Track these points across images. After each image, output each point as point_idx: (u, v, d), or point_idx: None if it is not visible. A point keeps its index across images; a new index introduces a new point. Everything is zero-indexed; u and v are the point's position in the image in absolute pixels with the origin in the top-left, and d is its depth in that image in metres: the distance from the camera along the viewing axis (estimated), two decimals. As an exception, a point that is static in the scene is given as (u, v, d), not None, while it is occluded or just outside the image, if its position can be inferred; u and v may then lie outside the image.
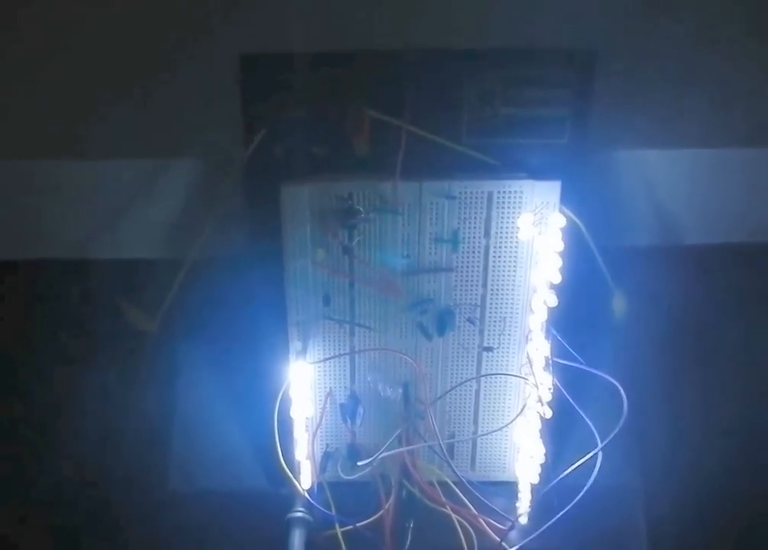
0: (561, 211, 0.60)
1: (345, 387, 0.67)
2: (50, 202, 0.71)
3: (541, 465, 0.66)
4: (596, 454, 0.59)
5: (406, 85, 0.57)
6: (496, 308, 0.64)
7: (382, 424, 0.67)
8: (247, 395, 0.68)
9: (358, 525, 0.64)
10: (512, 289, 0.63)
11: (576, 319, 0.62)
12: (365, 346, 0.65)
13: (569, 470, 0.59)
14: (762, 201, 0.71)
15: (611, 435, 0.58)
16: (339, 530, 0.65)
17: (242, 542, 0.68)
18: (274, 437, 0.62)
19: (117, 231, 0.72)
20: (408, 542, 0.66)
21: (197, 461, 0.70)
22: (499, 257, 0.62)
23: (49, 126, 0.67)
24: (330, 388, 0.66)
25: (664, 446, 0.71)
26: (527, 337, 0.64)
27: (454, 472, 0.65)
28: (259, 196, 0.60)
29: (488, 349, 0.65)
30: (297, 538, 0.65)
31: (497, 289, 0.63)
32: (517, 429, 0.66)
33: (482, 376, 0.66)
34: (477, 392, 0.67)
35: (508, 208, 0.60)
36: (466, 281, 0.63)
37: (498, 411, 0.67)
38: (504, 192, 0.60)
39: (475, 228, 0.61)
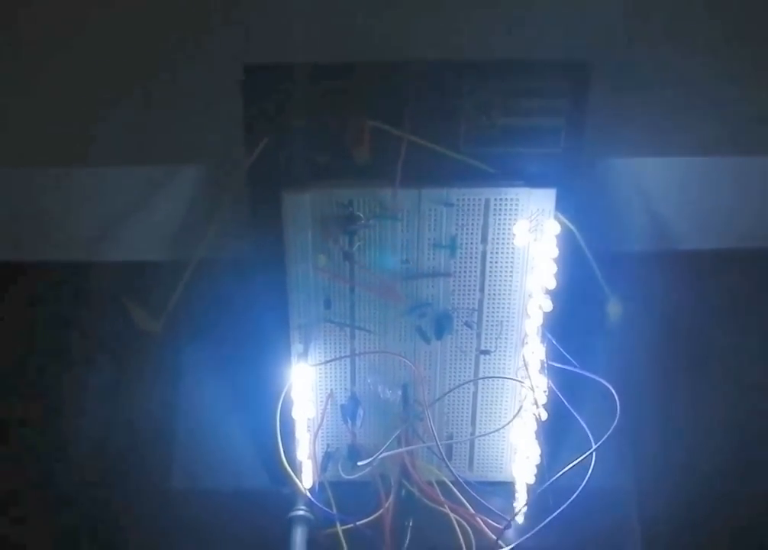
0: (556, 218, 0.60)
1: (345, 389, 0.67)
2: (55, 206, 0.72)
3: (537, 466, 0.66)
4: (590, 455, 0.59)
5: (406, 95, 0.58)
6: (493, 312, 0.64)
7: (381, 425, 0.67)
8: (250, 396, 0.69)
9: (358, 523, 0.64)
10: (509, 294, 0.63)
11: (570, 324, 0.63)
12: (365, 349, 0.65)
13: (564, 470, 0.59)
14: (751, 207, 0.71)
15: (605, 437, 0.59)
16: (339, 528, 0.65)
17: (245, 540, 0.68)
18: (276, 437, 0.62)
19: (123, 234, 0.73)
20: (407, 540, 0.66)
21: (200, 460, 0.71)
22: (496, 262, 0.62)
23: (55, 134, 0.68)
24: (331, 390, 0.67)
25: (657, 447, 0.71)
26: (523, 340, 0.64)
27: (452, 472, 0.65)
28: (261, 203, 0.60)
29: (486, 352, 0.65)
30: (298, 535, 0.66)
31: (494, 294, 0.63)
32: (514, 431, 0.66)
33: (480, 379, 0.66)
34: (475, 394, 0.67)
35: (505, 214, 0.60)
36: (464, 286, 0.63)
37: (495, 413, 0.68)
38: (500, 199, 0.60)
39: (472, 234, 0.61)
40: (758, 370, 0.73)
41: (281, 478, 0.65)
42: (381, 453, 0.63)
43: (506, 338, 0.65)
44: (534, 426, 0.65)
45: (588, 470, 0.59)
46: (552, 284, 0.61)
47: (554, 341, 0.63)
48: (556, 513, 0.59)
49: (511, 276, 0.63)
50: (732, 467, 0.71)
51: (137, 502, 0.71)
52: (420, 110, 0.58)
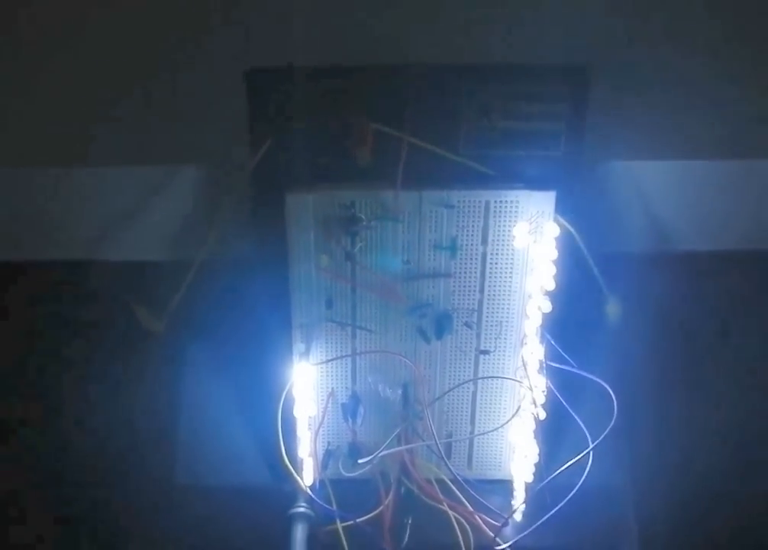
0: (556, 220, 0.60)
1: (346, 388, 0.67)
2: (56, 206, 0.72)
3: (535, 464, 0.66)
4: (588, 454, 0.59)
5: (407, 98, 0.58)
6: (493, 313, 0.64)
7: (382, 423, 0.67)
8: (252, 394, 0.69)
9: (358, 520, 0.65)
10: (508, 295, 0.64)
11: (569, 325, 0.63)
12: (366, 348, 0.66)
13: (562, 469, 0.60)
14: (748, 210, 0.72)
15: (602, 436, 0.59)
16: (340, 525, 0.65)
17: (246, 536, 0.69)
18: (278, 435, 0.63)
19: (124, 234, 0.73)
20: (407, 537, 0.66)
21: (203, 458, 0.71)
22: (496, 263, 0.63)
23: (56, 134, 0.68)
24: (332, 388, 0.67)
25: (653, 447, 0.71)
26: (522, 341, 0.65)
27: (451, 471, 0.66)
28: (264, 204, 0.61)
29: (485, 352, 0.66)
30: (299, 532, 0.66)
31: (493, 295, 0.64)
32: (513, 430, 0.67)
33: (479, 378, 0.66)
34: (474, 393, 0.68)
35: (505, 217, 0.61)
36: (464, 286, 0.63)
37: (494, 412, 0.68)
38: (500, 201, 0.60)
39: (472, 235, 0.62)
40: (754, 371, 0.74)
41: (282, 475, 0.65)
42: (381, 451, 0.64)
43: (505, 339, 0.65)
44: (532, 425, 0.65)
45: (585, 468, 0.59)
46: (551, 285, 0.61)
47: (553, 342, 0.63)
48: (553, 511, 0.60)
49: (510, 277, 0.63)
50: (728, 467, 0.71)
51: (140, 498, 0.71)
52: (421, 113, 0.59)
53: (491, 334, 0.65)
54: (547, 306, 0.62)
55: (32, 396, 0.75)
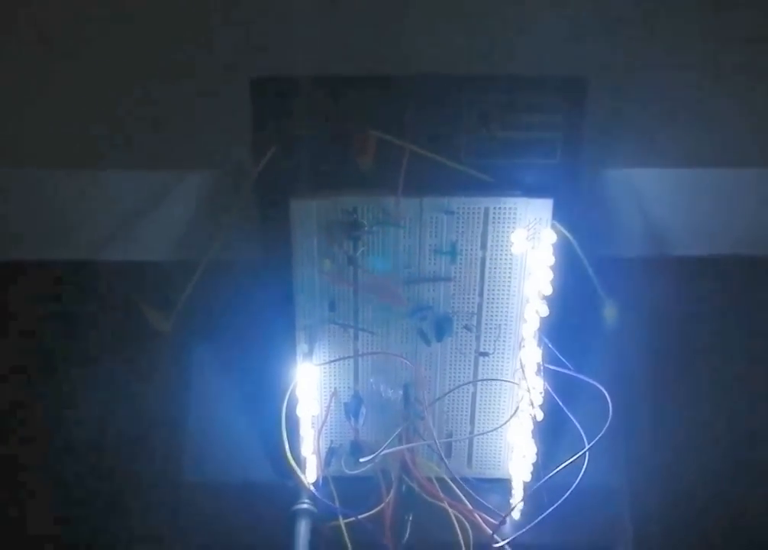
0: (553, 227, 0.61)
1: (349, 388, 0.68)
2: (69, 207, 0.73)
3: (533, 464, 0.67)
4: (584, 454, 0.60)
5: (409, 107, 0.59)
6: (491, 316, 0.65)
7: (383, 423, 0.68)
8: (257, 394, 0.70)
9: (360, 517, 0.65)
10: (507, 299, 0.64)
11: (566, 328, 0.64)
12: (368, 349, 0.66)
13: (559, 469, 0.60)
14: (741, 217, 0.72)
15: (598, 437, 0.59)
16: (342, 521, 0.66)
17: (251, 531, 0.69)
18: (282, 433, 0.63)
19: (135, 235, 0.74)
20: (407, 534, 0.67)
21: (210, 455, 0.72)
22: (495, 268, 0.63)
23: (70, 138, 0.69)
24: (335, 388, 0.68)
25: (648, 447, 0.71)
26: (520, 344, 0.65)
27: (448, 469, 0.66)
28: (269, 209, 0.61)
29: (484, 354, 0.66)
30: (302, 527, 0.67)
31: (492, 299, 0.64)
32: (511, 430, 0.67)
33: (478, 381, 0.67)
34: (474, 394, 0.68)
35: (503, 223, 0.61)
36: (464, 290, 0.64)
37: (493, 412, 0.68)
38: (499, 208, 0.61)
39: (472, 241, 0.62)
40: (747, 373, 0.74)
41: (286, 472, 0.66)
42: (382, 450, 0.64)
43: (504, 341, 0.66)
44: (530, 426, 0.66)
45: (581, 468, 0.59)
46: (548, 290, 0.62)
47: (550, 345, 0.63)
48: (550, 510, 0.60)
49: (509, 281, 0.63)
50: (721, 467, 0.72)
51: (149, 493, 0.72)
52: (422, 122, 0.59)
53: (490, 336, 0.66)
54: (545, 310, 0.62)
55: (36, 395, 0.75)
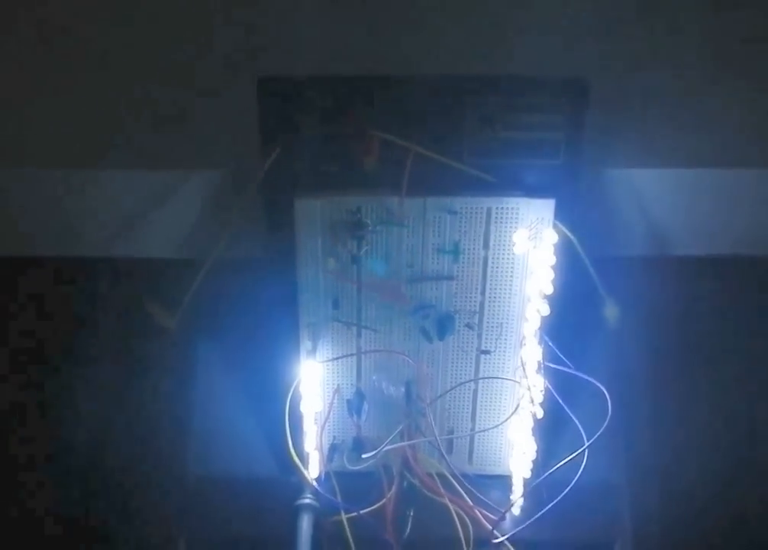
0: (555, 227, 0.61)
1: (352, 385, 0.68)
2: (79, 206, 0.74)
3: (533, 461, 0.67)
4: (583, 451, 0.60)
5: (413, 108, 0.59)
6: (493, 314, 0.65)
7: (385, 419, 0.68)
8: (261, 390, 0.70)
9: (362, 512, 0.66)
10: (508, 298, 0.64)
11: (567, 327, 0.64)
12: (371, 347, 0.66)
13: (558, 466, 0.61)
14: (740, 217, 0.73)
15: (597, 435, 0.60)
16: (344, 516, 0.66)
17: (255, 525, 0.70)
18: (285, 429, 0.64)
19: (142, 233, 0.75)
20: (408, 529, 0.68)
21: (215, 450, 0.72)
22: (497, 267, 0.63)
23: (82, 139, 0.69)
24: (338, 385, 0.68)
25: (647, 445, 0.72)
26: (521, 342, 0.65)
27: (449, 466, 0.66)
28: (275, 209, 0.62)
29: (486, 352, 0.67)
30: (305, 522, 0.67)
31: (494, 298, 0.64)
32: (512, 427, 0.68)
33: (479, 379, 0.67)
34: (475, 392, 0.68)
35: (506, 223, 0.62)
36: (466, 289, 0.64)
37: (494, 410, 0.69)
38: (502, 208, 0.61)
39: (474, 240, 0.62)
40: (745, 371, 0.75)
41: (289, 468, 0.66)
42: (384, 446, 0.65)
43: (505, 340, 0.66)
44: (530, 423, 0.66)
45: (580, 465, 0.60)
46: (549, 289, 0.62)
47: (551, 344, 0.64)
48: (549, 506, 0.61)
49: (510, 280, 0.64)
50: (720, 465, 0.72)
51: (154, 488, 0.72)
52: (426, 122, 0.59)
53: (491, 335, 0.66)
54: (546, 309, 0.63)
55: (42, 390, 0.76)
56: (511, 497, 0.69)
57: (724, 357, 0.75)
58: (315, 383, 0.66)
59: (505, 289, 0.64)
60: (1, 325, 0.77)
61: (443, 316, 0.65)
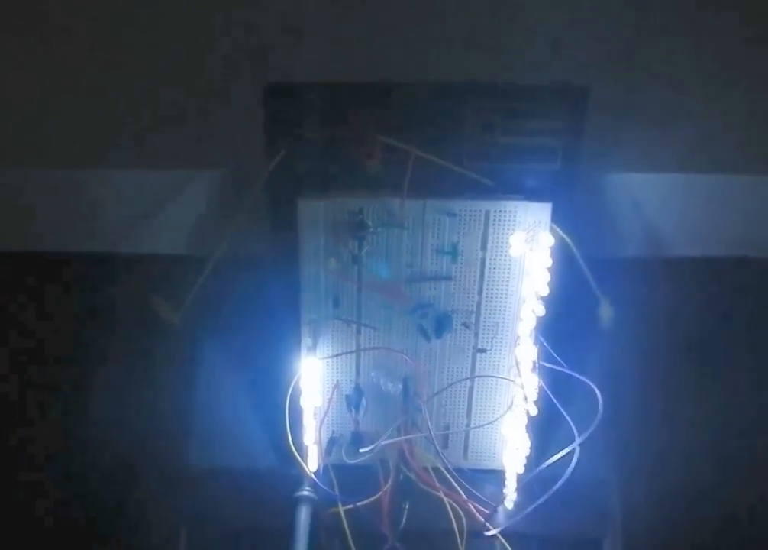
0: (551, 230, 0.62)
1: (350, 381, 0.69)
2: (80, 203, 0.75)
3: (526, 456, 0.68)
4: (574, 448, 0.61)
5: (415, 113, 0.60)
6: (490, 314, 0.66)
7: (383, 415, 0.69)
8: (263, 385, 0.71)
9: (359, 504, 0.67)
10: (505, 298, 0.65)
11: (561, 328, 0.65)
12: (370, 345, 0.67)
13: (550, 461, 0.61)
14: (732, 220, 0.74)
15: (588, 432, 0.61)
16: (341, 508, 0.67)
17: (254, 516, 0.70)
18: (285, 423, 0.64)
19: (148, 230, 0.76)
20: (404, 521, 0.68)
21: (216, 443, 0.73)
22: (494, 269, 0.64)
23: (93, 140, 0.70)
24: (337, 381, 0.69)
25: (636, 442, 0.73)
26: (516, 341, 0.66)
27: (444, 460, 0.67)
28: (279, 209, 0.63)
29: (482, 351, 0.67)
30: (303, 514, 0.68)
31: (491, 298, 0.65)
32: (506, 424, 0.68)
33: (475, 377, 0.68)
34: (470, 389, 0.69)
35: (503, 225, 0.62)
36: (463, 289, 0.65)
37: (488, 407, 0.70)
38: (500, 211, 0.62)
39: (472, 242, 0.63)
40: (735, 370, 0.75)
41: (289, 461, 0.67)
42: (382, 440, 0.66)
43: (501, 339, 0.67)
44: (524, 420, 0.67)
45: (571, 461, 0.61)
46: (545, 291, 0.63)
47: (545, 343, 0.65)
48: (541, 500, 0.62)
49: (507, 282, 0.65)
50: (708, 460, 0.73)
51: (157, 478, 0.73)
52: (427, 127, 0.60)
53: (487, 334, 0.67)
54: (541, 310, 0.63)
55: (41, 389, 0.76)
56: (504, 491, 0.70)
57: (716, 356, 0.75)
58: (315, 379, 0.67)
59: (502, 290, 0.65)
60: (1, 324, 0.78)
61: (441, 315, 0.66)
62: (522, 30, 0.64)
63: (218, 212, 0.73)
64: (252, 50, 0.65)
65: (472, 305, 0.66)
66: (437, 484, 0.68)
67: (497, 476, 0.71)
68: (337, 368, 0.69)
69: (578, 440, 0.61)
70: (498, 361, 0.68)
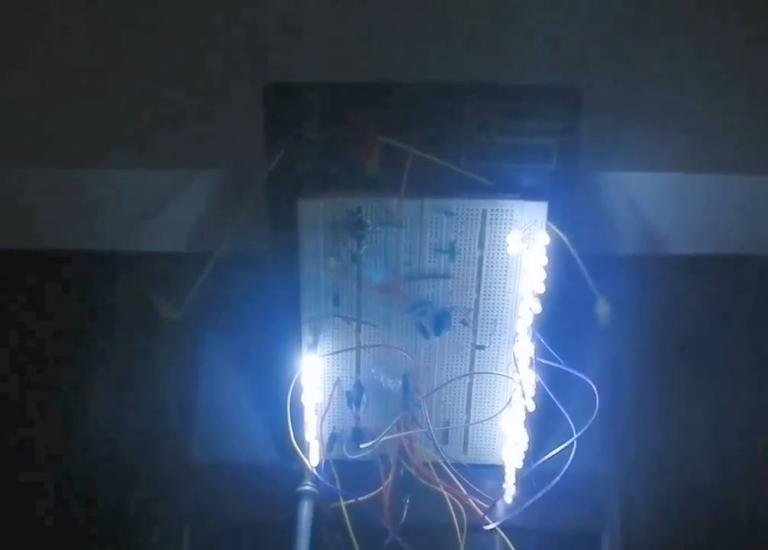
0: (548, 229, 0.62)
1: (351, 377, 0.69)
2: (80, 203, 0.75)
3: (524, 452, 0.68)
4: (572, 443, 0.62)
5: (413, 113, 0.60)
6: (488, 311, 0.66)
7: (383, 411, 0.69)
8: (264, 382, 0.72)
9: (360, 499, 0.67)
10: (502, 296, 0.66)
11: (558, 324, 0.65)
12: (370, 342, 0.67)
13: (548, 456, 0.62)
14: (726, 218, 0.74)
15: (585, 427, 0.61)
16: (342, 503, 0.68)
17: (256, 511, 0.71)
18: (287, 419, 0.65)
19: (150, 229, 0.76)
20: (404, 516, 0.68)
21: (218, 439, 0.73)
22: (491, 267, 0.65)
23: (97, 140, 0.71)
24: (338, 377, 0.69)
25: (632, 437, 0.73)
26: (514, 338, 0.66)
27: (443, 456, 0.68)
28: (278, 208, 0.63)
29: (480, 348, 0.68)
30: (305, 508, 0.69)
31: (489, 295, 0.66)
32: (504, 419, 0.68)
33: (474, 373, 0.68)
34: (470, 385, 0.70)
35: (500, 224, 0.63)
36: (461, 287, 0.65)
37: (487, 402, 0.70)
38: (496, 210, 0.62)
39: (470, 240, 0.64)
40: (730, 367, 0.76)
41: (290, 456, 0.68)
42: (382, 436, 0.66)
43: (499, 336, 0.67)
44: (522, 416, 0.67)
45: (569, 456, 0.62)
46: (541, 289, 0.63)
47: (542, 340, 0.65)
48: (539, 495, 0.63)
49: (504, 279, 0.65)
50: (704, 456, 0.74)
51: (158, 476, 0.74)
52: (426, 127, 0.61)
53: (485, 331, 0.67)
54: (538, 307, 0.64)
55: (48, 383, 0.77)
56: (503, 486, 0.70)
57: (713, 354, 0.76)
58: (316, 376, 0.67)
59: (499, 288, 0.66)
60: (1, 324, 0.78)
61: (440, 313, 0.66)
62: (522, 30, 0.64)
63: (218, 212, 0.74)
64: (252, 50, 0.66)
65: (470, 303, 0.67)
66: (437, 479, 0.69)
67: (496, 471, 0.71)
68: (338, 365, 0.69)
69: (576, 435, 0.62)
70: (497, 358, 0.68)
